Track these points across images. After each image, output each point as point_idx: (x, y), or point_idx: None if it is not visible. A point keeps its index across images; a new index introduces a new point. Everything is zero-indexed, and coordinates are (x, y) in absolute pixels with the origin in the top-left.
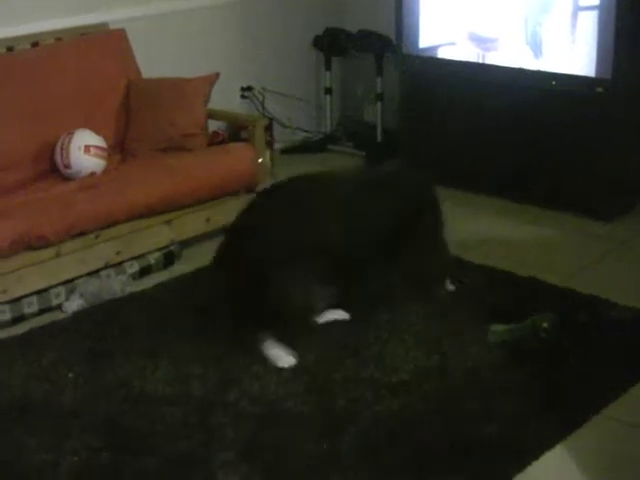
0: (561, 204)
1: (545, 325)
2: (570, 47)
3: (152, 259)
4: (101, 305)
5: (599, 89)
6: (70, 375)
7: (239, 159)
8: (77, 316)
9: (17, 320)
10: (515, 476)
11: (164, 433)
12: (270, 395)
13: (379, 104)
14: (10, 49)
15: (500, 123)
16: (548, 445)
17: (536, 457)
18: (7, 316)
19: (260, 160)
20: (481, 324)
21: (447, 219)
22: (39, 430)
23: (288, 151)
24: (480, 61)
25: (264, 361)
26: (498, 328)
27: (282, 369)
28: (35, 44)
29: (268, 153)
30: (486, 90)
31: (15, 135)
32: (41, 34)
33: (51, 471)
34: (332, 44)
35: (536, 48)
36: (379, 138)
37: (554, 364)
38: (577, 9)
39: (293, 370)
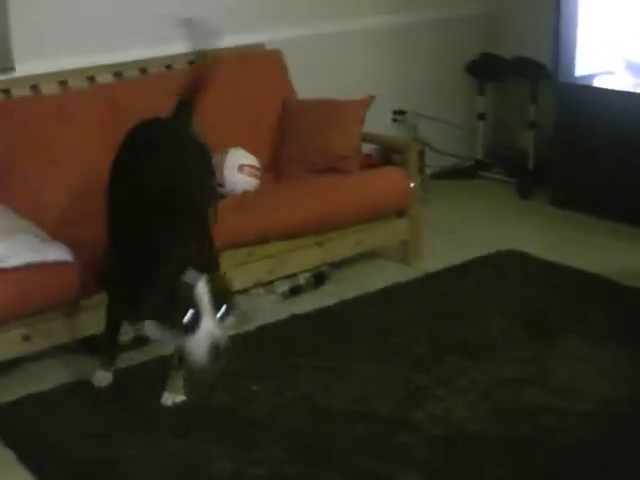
0: None
1: None
2: None
3: (302, 279)
4: (282, 321)
5: None
6: (254, 388)
7: (391, 183)
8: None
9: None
10: None
11: (348, 449)
12: (454, 418)
13: (532, 132)
14: (143, 71)
15: None
16: None
17: None
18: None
19: (412, 185)
20: None
21: (602, 250)
22: (224, 439)
23: (439, 176)
24: (637, 91)
25: (447, 383)
26: None
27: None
28: (192, 62)
29: (419, 178)
30: None
31: None
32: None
33: None
34: (487, 69)
35: None
36: (530, 166)
37: None
38: None
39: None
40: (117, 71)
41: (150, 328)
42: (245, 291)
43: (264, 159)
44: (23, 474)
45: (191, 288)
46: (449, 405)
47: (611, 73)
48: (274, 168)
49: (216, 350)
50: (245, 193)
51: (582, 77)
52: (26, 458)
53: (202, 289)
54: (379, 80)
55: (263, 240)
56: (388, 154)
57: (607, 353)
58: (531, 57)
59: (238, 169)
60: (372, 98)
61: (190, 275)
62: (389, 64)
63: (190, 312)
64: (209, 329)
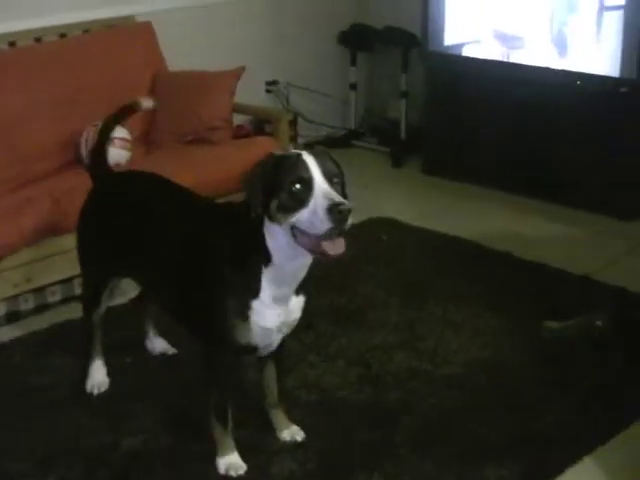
0: (582, 202)
1: (599, 323)
2: (595, 47)
3: None
4: None
5: (623, 89)
6: (127, 360)
7: (262, 153)
8: None
9: (40, 309)
10: (567, 470)
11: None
12: (325, 383)
13: (403, 100)
14: (38, 40)
15: (523, 121)
16: (601, 440)
17: (589, 452)
18: (31, 305)
19: None
20: (535, 320)
21: (466, 214)
22: (100, 411)
23: (311, 146)
24: (505, 59)
25: (318, 349)
26: (552, 325)
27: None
28: (63, 36)
29: (292, 148)
30: (510, 88)
31: (43, 125)
32: (69, 26)
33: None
34: (358, 40)
35: (561, 47)
36: (403, 135)
37: (607, 362)
38: (603, 9)
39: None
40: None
41: None
42: None
43: (135, 131)
44: None
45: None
46: (320, 371)
47: (479, 42)
48: (146, 140)
49: (338, 211)
50: (117, 166)
51: (451, 46)
52: None
53: (308, 156)
54: (252, 51)
55: None
56: (261, 125)
57: (476, 317)
58: (401, 27)
59: (110, 142)
60: (242, 69)
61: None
62: (262, 35)
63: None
64: (324, 189)
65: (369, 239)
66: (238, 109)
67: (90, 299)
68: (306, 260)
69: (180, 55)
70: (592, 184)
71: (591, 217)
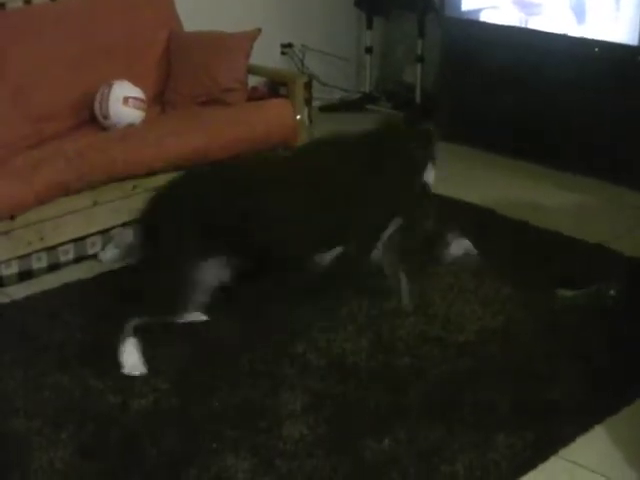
0: (597, 171)
1: (612, 292)
2: (614, 14)
3: None
4: None
5: None
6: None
7: (277, 115)
8: None
9: (53, 267)
10: (578, 438)
11: (230, 380)
12: (336, 348)
13: (419, 65)
14: None
15: (541, 88)
16: (612, 410)
17: (600, 421)
18: (43, 263)
19: (298, 117)
20: (548, 289)
21: (481, 181)
22: (108, 373)
23: (326, 109)
24: (523, 25)
25: (331, 315)
26: (566, 293)
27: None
28: None
29: (306, 110)
30: (528, 55)
31: (55, 85)
32: None
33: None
34: (374, 3)
35: (580, 14)
36: (418, 99)
37: (620, 331)
38: None
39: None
40: None
41: None
42: (128, 224)
43: (149, 91)
44: None
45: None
46: (331, 336)
47: (497, 8)
48: (160, 100)
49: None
50: (130, 126)
51: (468, 11)
52: None
53: None
54: (268, 13)
55: (148, 172)
56: (275, 87)
57: (489, 285)
58: None
59: (123, 101)
60: (258, 31)
61: None
62: None
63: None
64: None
65: None
66: (253, 71)
67: None
68: None
69: (196, 16)
70: (609, 153)
71: (606, 186)
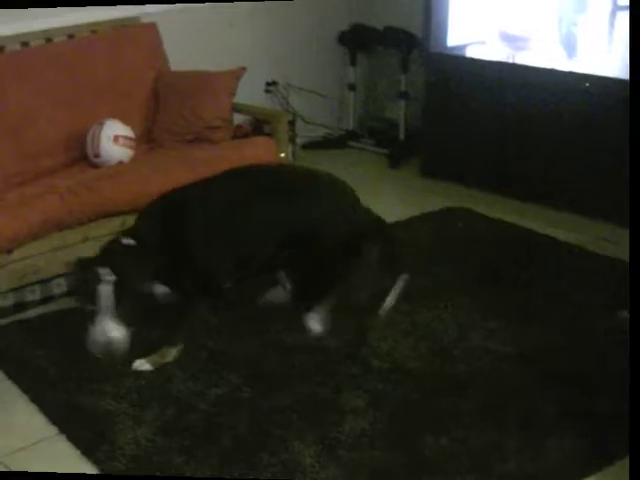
0: (587, 210)
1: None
2: (606, 48)
3: None
4: None
5: None
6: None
7: (261, 153)
8: None
9: (46, 300)
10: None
11: (299, 377)
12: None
13: (402, 102)
14: (48, 40)
15: (527, 125)
16: None
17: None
18: (37, 296)
19: (282, 155)
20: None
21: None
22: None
23: (310, 146)
24: (510, 61)
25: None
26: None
27: None
28: (71, 36)
29: (290, 148)
30: (515, 91)
31: (50, 123)
32: (77, 27)
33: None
34: (358, 40)
35: (570, 48)
36: (401, 136)
37: None
38: (615, 9)
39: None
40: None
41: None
42: None
43: (138, 130)
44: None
45: None
46: (393, 344)
47: (483, 43)
48: (148, 139)
49: None
50: (120, 163)
51: (454, 47)
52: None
53: None
54: (253, 52)
55: (136, 209)
56: (260, 125)
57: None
58: (402, 27)
59: (113, 140)
60: (243, 69)
61: None
62: (263, 36)
63: None
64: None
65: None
66: (238, 109)
67: None
68: None
69: (183, 55)
70: (600, 192)
71: (596, 224)
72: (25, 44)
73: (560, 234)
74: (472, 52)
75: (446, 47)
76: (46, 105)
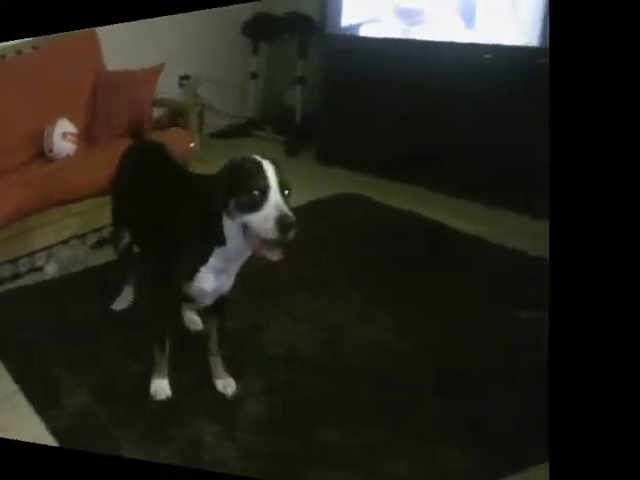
0: (492, 198)
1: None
2: (509, 13)
3: (106, 232)
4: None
5: (542, 60)
6: None
7: (175, 143)
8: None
9: (15, 277)
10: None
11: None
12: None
13: (299, 87)
14: (19, 52)
15: (424, 104)
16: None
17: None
18: (8, 273)
19: (192, 144)
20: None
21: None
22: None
23: (218, 135)
24: (404, 37)
25: (288, 311)
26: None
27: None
28: (35, 48)
29: (199, 138)
30: (412, 68)
31: (14, 124)
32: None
33: None
34: (260, 28)
35: (468, 18)
36: (298, 122)
37: None
38: None
39: (310, 324)
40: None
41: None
42: (65, 242)
43: (79, 127)
44: None
45: (259, 165)
46: (287, 331)
47: (377, 20)
48: (87, 135)
49: (284, 223)
50: (66, 157)
51: (348, 27)
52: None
53: (268, 165)
54: (171, 49)
55: (79, 197)
56: (174, 117)
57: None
58: (303, 12)
59: (62, 136)
60: (162, 65)
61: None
62: (179, 34)
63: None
64: (277, 200)
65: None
66: (157, 103)
67: None
68: (249, 252)
69: (117, 55)
70: (505, 177)
71: (499, 214)
72: (19, 52)
73: (464, 225)
74: (366, 31)
75: (340, 27)
76: (12, 109)
